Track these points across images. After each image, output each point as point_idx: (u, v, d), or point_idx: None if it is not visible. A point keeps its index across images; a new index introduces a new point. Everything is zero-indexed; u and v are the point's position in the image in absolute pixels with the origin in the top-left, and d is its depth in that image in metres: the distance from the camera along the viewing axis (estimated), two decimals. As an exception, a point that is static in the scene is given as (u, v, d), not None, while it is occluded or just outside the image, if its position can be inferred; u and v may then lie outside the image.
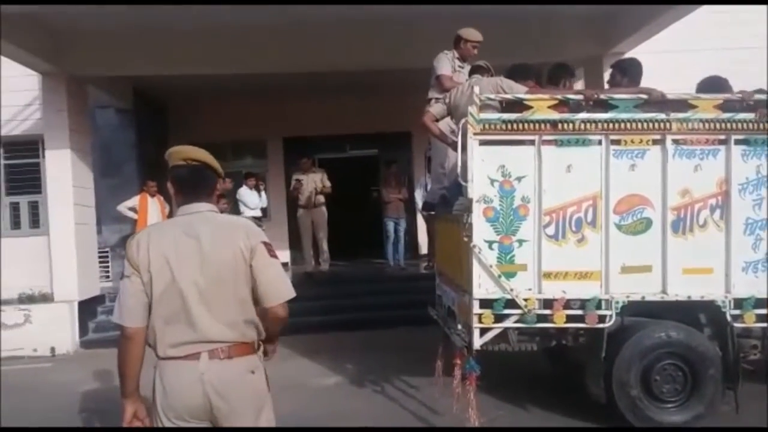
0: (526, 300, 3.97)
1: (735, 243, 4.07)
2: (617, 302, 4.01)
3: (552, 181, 4.00)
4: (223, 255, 2.19)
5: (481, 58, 5.11)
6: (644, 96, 4.16)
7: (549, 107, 4.03)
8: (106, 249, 9.45)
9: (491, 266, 3.97)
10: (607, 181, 4.03)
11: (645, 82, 4.59)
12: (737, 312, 4.05)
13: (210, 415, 2.18)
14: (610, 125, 4.01)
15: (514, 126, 3.99)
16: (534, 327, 4.05)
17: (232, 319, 2.20)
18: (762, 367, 4.40)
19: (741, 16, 8.58)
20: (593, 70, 8.12)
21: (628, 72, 4.64)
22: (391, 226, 9.71)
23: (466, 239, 4.02)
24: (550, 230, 4.02)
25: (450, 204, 4.55)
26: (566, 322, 4.02)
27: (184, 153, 2.31)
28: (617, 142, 4.04)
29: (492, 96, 4.14)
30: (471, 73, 4.92)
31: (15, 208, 9.33)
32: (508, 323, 4.02)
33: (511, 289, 3.96)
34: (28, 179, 9.22)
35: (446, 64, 5.16)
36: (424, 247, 10.49)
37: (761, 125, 4.05)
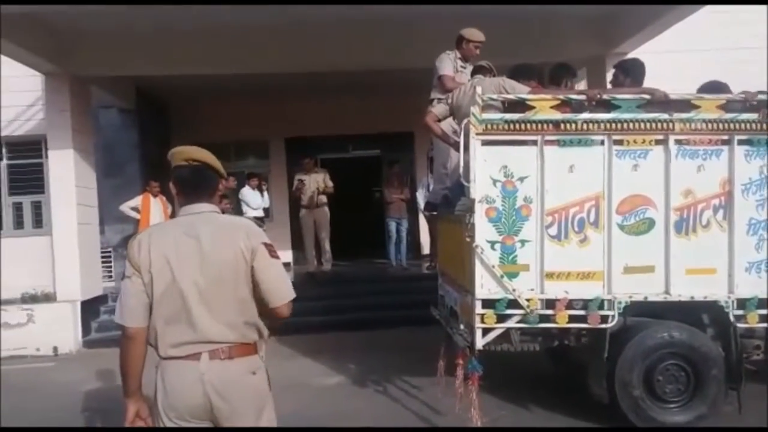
0: (528, 300, 3.97)
1: (738, 243, 4.07)
2: (620, 302, 4.00)
3: (554, 182, 4.00)
4: (224, 255, 2.19)
5: (483, 58, 5.11)
6: (647, 96, 4.15)
7: (551, 107, 4.03)
8: (109, 249, 9.47)
9: (493, 266, 3.96)
10: (609, 181, 4.03)
11: (648, 83, 4.58)
12: (740, 312, 4.05)
13: (210, 415, 2.18)
14: (613, 125, 4.01)
15: (517, 126, 3.98)
16: (536, 327, 4.05)
17: (232, 320, 2.20)
18: (765, 368, 4.38)
19: (741, 16, 8.58)
20: (596, 70, 8.11)
21: (631, 72, 4.63)
22: (393, 226, 9.71)
23: (468, 239, 4.02)
24: (553, 230, 4.01)
25: (452, 204, 4.54)
26: (569, 323, 4.02)
27: (186, 153, 2.31)
28: (620, 143, 4.03)
29: (494, 96, 4.13)
30: (473, 73, 4.92)
31: (18, 208, 9.35)
32: (510, 323, 4.01)
33: (514, 290, 3.96)
34: (31, 179, 9.23)
35: (448, 64, 5.15)
36: (426, 248, 10.49)
37: (764, 125, 4.04)
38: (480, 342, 3.99)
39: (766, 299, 4.05)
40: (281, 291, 2.24)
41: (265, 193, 9.77)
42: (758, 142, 4.06)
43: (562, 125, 4.00)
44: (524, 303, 3.96)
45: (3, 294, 8.03)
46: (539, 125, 3.99)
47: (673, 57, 7.91)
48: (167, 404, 2.17)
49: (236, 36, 7.41)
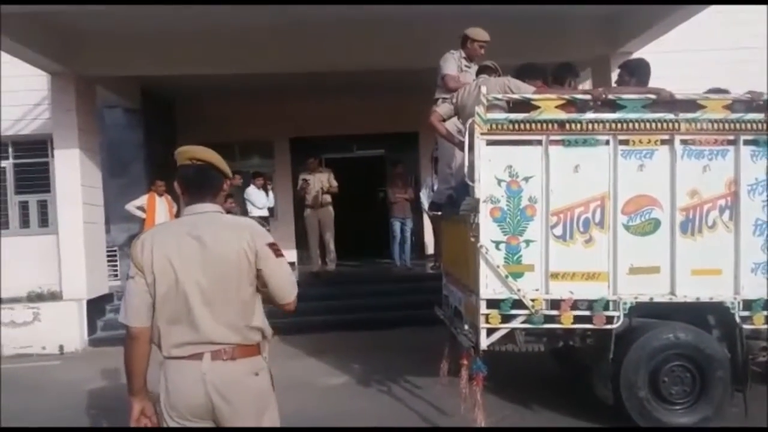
0: (533, 300, 3.96)
1: (744, 244, 4.05)
2: (625, 303, 3.99)
3: (559, 182, 3.99)
4: (227, 255, 2.20)
5: (488, 57, 5.10)
6: (653, 96, 4.13)
7: (556, 107, 4.02)
8: (115, 248, 9.51)
9: (498, 266, 3.96)
10: (615, 181, 4.01)
11: (652, 83, 4.57)
12: (746, 313, 4.03)
13: (212, 416, 2.19)
14: (619, 125, 3.99)
15: (522, 126, 3.97)
16: (541, 328, 4.04)
17: (234, 321, 2.20)
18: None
19: (741, 16, 8.56)
20: (600, 70, 8.09)
21: (636, 72, 4.62)
22: (397, 226, 9.70)
23: (473, 239, 4.02)
24: (558, 231, 4.00)
25: (457, 204, 4.53)
26: (574, 323, 4.01)
27: (191, 153, 2.32)
28: (625, 143, 4.02)
29: (499, 96, 4.13)
30: (478, 73, 4.91)
31: (24, 207, 9.39)
32: (515, 324, 4.01)
33: (519, 290, 3.95)
34: (37, 178, 9.28)
35: (452, 64, 5.15)
36: (430, 248, 10.50)
37: (771, 126, 4.02)
38: (484, 342, 3.98)
39: (772, 300, 4.03)
40: (288, 290, 2.29)
41: (270, 193, 9.78)
42: (764, 143, 4.04)
43: (567, 125, 3.99)
44: (529, 303, 3.95)
45: (10, 293, 8.09)
46: (544, 125, 3.98)
47: (673, 57, 7.86)
48: (169, 404, 2.18)
49: (236, 36, 7.43)
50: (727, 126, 4.02)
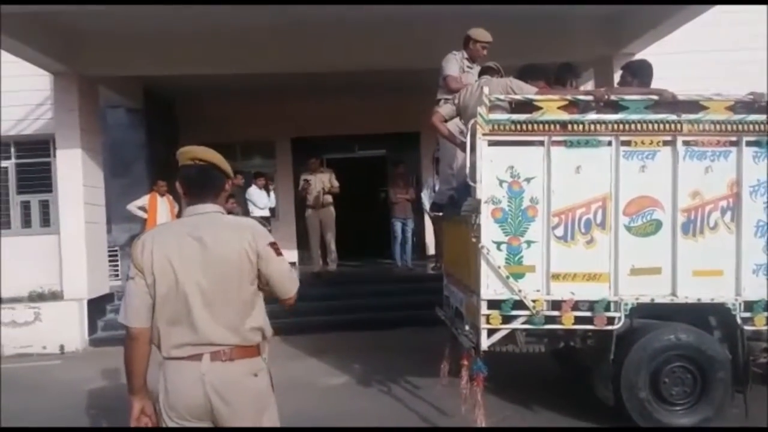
0: (534, 301, 3.95)
1: (746, 245, 4.04)
2: (626, 304, 3.99)
3: (561, 182, 3.98)
4: (228, 256, 2.20)
5: (490, 58, 5.10)
6: (655, 97, 4.13)
7: (558, 108, 4.02)
8: (116, 248, 9.52)
9: (499, 267, 3.96)
10: (616, 182, 4.01)
11: (654, 84, 4.56)
12: (747, 315, 4.02)
13: (211, 416, 2.19)
14: (621, 126, 3.99)
15: (524, 127, 3.97)
16: (542, 328, 4.04)
17: (234, 323, 2.21)
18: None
19: (742, 16, 8.55)
20: (603, 70, 8.08)
21: (638, 73, 4.61)
22: (398, 226, 9.70)
23: (474, 240, 4.02)
24: (559, 231, 4.00)
25: (458, 205, 4.54)
26: (574, 324, 4.00)
27: (193, 153, 2.32)
28: (627, 143, 4.02)
29: (501, 97, 4.13)
30: (481, 74, 4.91)
31: (26, 206, 9.40)
32: (516, 324, 4.00)
33: (520, 290, 3.95)
34: (39, 178, 9.29)
35: (454, 64, 5.15)
36: (431, 248, 10.49)
37: (773, 127, 4.01)
38: (485, 343, 3.98)
39: (773, 302, 4.03)
40: (289, 286, 2.33)
41: (272, 193, 9.79)
42: (766, 144, 4.04)
43: (570, 126, 3.98)
44: (530, 304, 3.95)
45: (11, 292, 8.10)
46: (546, 126, 3.97)
47: (676, 58, 7.85)
48: (168, 404, 2.18)
49: (236, 36, 7.44)
50: (729, 127, 4.02)
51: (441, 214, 5.94)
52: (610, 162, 4.02)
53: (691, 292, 4.02)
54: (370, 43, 7.60)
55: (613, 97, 4.15)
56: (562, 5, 6.98)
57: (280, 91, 9.90)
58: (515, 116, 4.01)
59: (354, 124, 10.78)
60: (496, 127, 3.95)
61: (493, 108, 4.02)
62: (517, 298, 3.95)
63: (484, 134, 3.94)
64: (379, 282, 9.40)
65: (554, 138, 3.98)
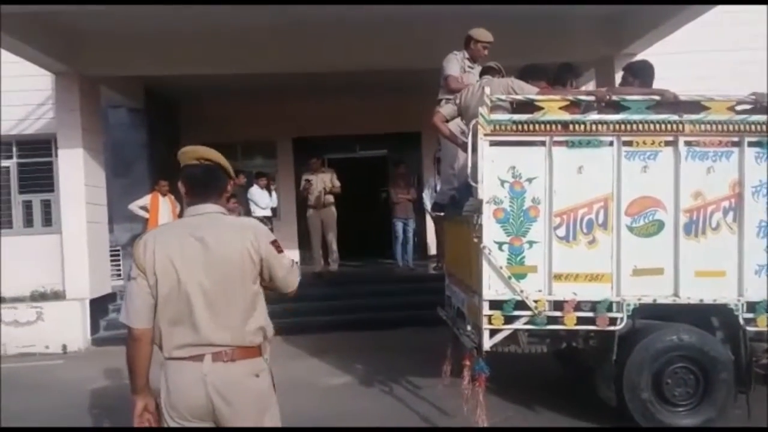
0: (536, 301, 3.95)
1: (748, 246, 4.04)
2: (628, 304, 3.98)
3: (563, 183, 3.98)
4: (230, 256, 2.21)
5: (491, 58, 5.10)
6: (656, 97, 4.13)
7: (560, 108, 4.02)
8: (118, 247, 9.51)
9: (501, 267, 3.95)
10: (618, 182, 4.01)
11: (655, 84, 4.55)
12: (750, 315, 4.02)
13: (212, 416, 2.20)
14: (622, 126, 3.99)
15: (525, 127, 3.97)
16: (544, 329, 4.04)
17: (235, 324, 2.21)
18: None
19: (742, 16, 8.54)
20: (604, 71, 8.07)
21: (640, 74, 4.61)
22: (399, 226, 9.70)
23: (476, 240, 4.01)
24: (561, 232, 4.00)
25: (460, 205, 4.54)
26: (577, 324, 4.00)
27: (196, 152, 2.33)
28: (629, 144, 4.01)
29: (503, 97, 4.13)
30: (482, 74, 4.91)
31: (28, 206, 9.40)
32: (518, 325, 4.00)
33: (521, 291, 3.95)
34: (40, 178, 9.28)
35: (455, 65, 5.15)
36: (432, 248, 10.49)
37: (775, 127, 4.01)
38: (487, 343, 3.98)
39: (776, 302, 4.02)
40: (290, 280, 2.38)
41: (273, 193, 9.79)
42: (768, 144, 4.04)
43: (571, 126, 3.98)
44: (532, 304, 3.95)
45: (13, 292, 8.12)
46: (548, 126, 3.97)
47: (677, 59, 7.85)
48: (170, 404, 2.19)
49: (237, 36, 7.44)
50: (731, 127, 4.02)
51: (442, 214, 5.93)
52: (612, 162, 4.01)
53: (694, 292, 4.02)
54: (371, 43, 7.59)
55: (614, 98, 4.15)
56: (563, 5, 6.97)
57: (280, 91, 9.90)
58: (517, 116, 4.01)
59: (355, 124, 10.78)
60: (497, 127, 3.95)
61: (494, 108, 4.02)
62: (519, 298, 3.95)
63: (485, 134, 3.94)
64: (380, 282, 9.39)
65: (556, 138, 3.98)
